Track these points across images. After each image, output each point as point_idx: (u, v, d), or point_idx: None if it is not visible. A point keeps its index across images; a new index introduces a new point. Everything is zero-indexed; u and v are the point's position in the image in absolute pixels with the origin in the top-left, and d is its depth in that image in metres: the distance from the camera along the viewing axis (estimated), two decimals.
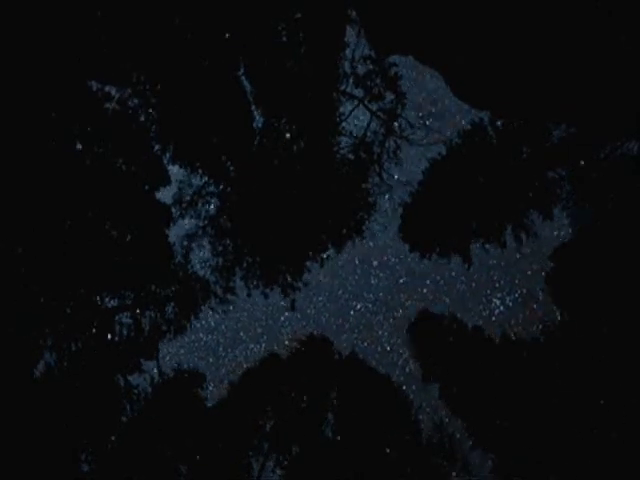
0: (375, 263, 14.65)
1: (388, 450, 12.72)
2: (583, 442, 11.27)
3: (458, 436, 12.76)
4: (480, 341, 13.14)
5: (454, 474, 12.55)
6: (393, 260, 14.51)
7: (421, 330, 13.76)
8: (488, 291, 13.74)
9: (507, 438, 12.11)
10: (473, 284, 13.86)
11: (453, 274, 14.01)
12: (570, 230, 13.29)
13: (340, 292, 14.67)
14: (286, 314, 14.69)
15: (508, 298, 13.54)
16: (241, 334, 14.75)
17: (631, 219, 12.28)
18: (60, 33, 11.91)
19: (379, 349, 14.02)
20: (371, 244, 14.67)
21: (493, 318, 13.51)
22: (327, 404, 13.56)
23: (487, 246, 13.67)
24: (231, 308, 14.78)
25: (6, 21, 11.38)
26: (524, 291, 13.45)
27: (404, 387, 13.48)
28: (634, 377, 11.23)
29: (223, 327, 14.80)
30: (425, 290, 14.16)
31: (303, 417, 13.47)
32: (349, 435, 13.05)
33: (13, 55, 11.59)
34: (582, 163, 13.12)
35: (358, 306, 14.51)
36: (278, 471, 13.12)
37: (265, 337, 14.60)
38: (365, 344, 14.12)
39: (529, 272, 13.48)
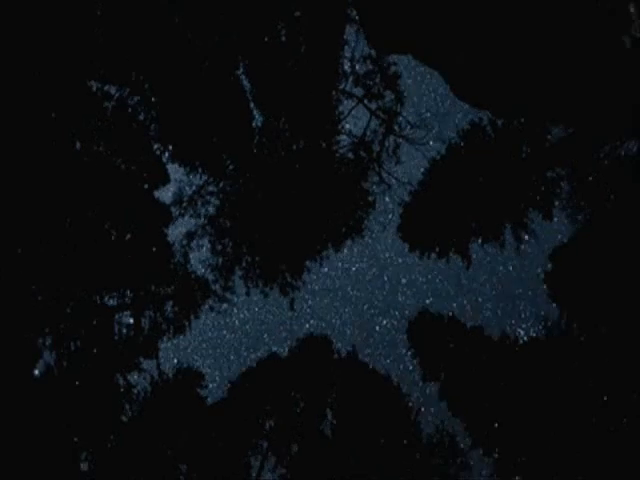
0: (374, 263, 14.65)
1: (388, 450, 12.75)
2: (583, 442, 11.30)
3: (458, 436, 12.80)
4: (480, 341, 13.17)
5: (454, 474, 12.59)
6: (393, 260, 14.51)
7: (421, 330, 13.78)
8: (488, 291, 13.76)
9: (507, 438, 12.14)
10: (473, 284, 13.88)
11: (453, 274, 14.02)
12: (570, 230, 13.30)
13: (340, 292, 14.67)
14: (286, 314, 14.71)
15: (508, 298, 13.56)
16: (241, 334, 14.75)
17: (631, 219, 12.30)
18: (60, 33, 11.87)
19: (379, 349, 14.04)
20: (371, 244, 14.67)
21: (493, 318, 13.54)
22: (327, 404, 13.58)
23: (487, 246, 13.69)
24: (231, 308, 14.78)
25: (6, 21, 11.35)
26: (524, 291, 13.47)
27: (404, 387, 13.50)
28: (634, 377, 11.26)
29: (223, 327, 14.79)
30: (425, 290, 14.17)
31: (303, 417, 13.49)
32: (349, 435, 13.07)
33: (13, 55, 11.56)
34: (582, 163, 13.13)
35: (358, 306, 14.52)
36: (278, 471, 13.14)
37: (265, 337, 14.60)
38: (365, 344, 14.13)
39: (529, 272, 13.51)
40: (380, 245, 14.63)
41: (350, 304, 14.64)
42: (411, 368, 13.72)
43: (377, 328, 14.31)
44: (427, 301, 14.20)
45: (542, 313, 13.00)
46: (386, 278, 14.56)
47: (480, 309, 13.73)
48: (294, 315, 14.67)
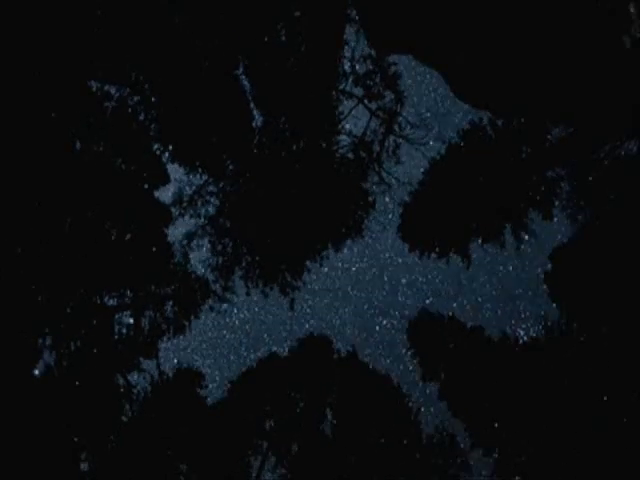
0: (375, 263, 14.67)
1: (388, 450, 12.74)
2: (583, 442, 11.29)
3: (458, 436, 12.80)
4: (480, 341, 13.17)
5: (454, 473, 12.59)
6: (393, 260, 14.52)
7: (421, 330, 13.78)
8: (488, 291, 13.77)
9: (507, 438, 12.14)
10: (473, 284, 13.89)
11: (453, 274, 14.03)
12: (570, 230, 13.30)
13: (340, 292, 14.69)
14: (286, 314, 14.71)
15: (508, 298, 13.57)
16: (241, 334, 14.76)
17: (631, 219, 12.29)
18: (60, 33, 11.86)
19: (379, 349, 14.05)
20: (371, 244, 14.68)
21: (493, 318, 13.55)
22: (327, 404, 13.57)
23: (487, 246, 13.68)
24: (231, 308, 14.80)
25: (6, 21, 11.34)
26: (524, 291, 13.48)
27: (404, 387, 13.50)
28: (634, 377, 11.25)
29: (223, 327, 14.81)
30: (425, 290, 14.18)
31: (303, 417, 13.48)
32: (349, 435, 13.07)
33: (13, 55, 11.55)
34: (582, 163, 13.12)
35: (358, 306, 14.53)
36: (278, 471, 13.14)
37: (265, 337, 14.61)
38: (365, 344, 14.15)
39: (529, 272, 13.52)
40: (380, 245, 14.66)
41: (350, 304, 14.66)
42: (411, 368, 13.73)
43: (377, 328, 14.33)
44: (427, 301, 14.23)
45: (542, 313, 13.00)
46: (386, 278, 14.59)
47: (480, 309, 13.75)
48: (294, 315, 14.69)
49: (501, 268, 13.81)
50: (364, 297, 14.61)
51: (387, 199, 14.55)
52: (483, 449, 12.35)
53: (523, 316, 13.30)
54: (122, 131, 13.82)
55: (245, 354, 14.57)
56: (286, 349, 14.34)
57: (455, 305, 13.86)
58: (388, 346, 14.08)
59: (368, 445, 12.82)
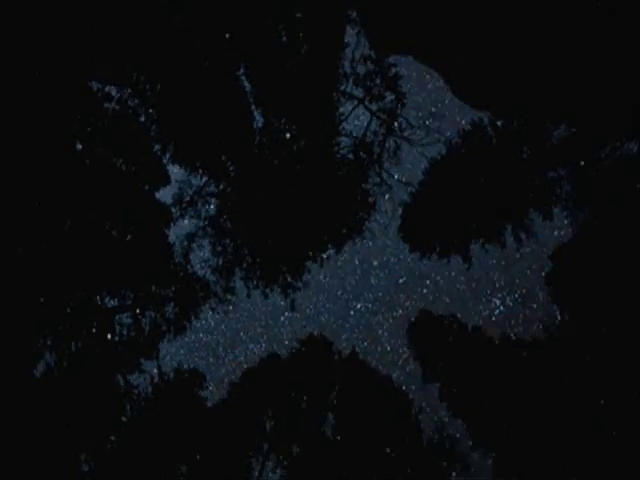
0: (375, 263, 14.66)
1: (388, 450, 12.72)
2: (583, 442, 11.27)
3: (458, 436, 12.77)
4: (480, 341, 13.15)
5: (454, 474, 12.56)
6: (393, 260, 14.52)
7: (421, 330, 13.77)
8: (488, 291, 13.74)
9: (507, 438, 12.11)
10: (473, 284, 13.87)
11: (453, 274, 14.02)
12: (570, 230, 13.28)
13: (340, 292, 14.68)
14: (286, 314, 14.71)
15: (508, 298, 13.54)
16: (241, 334, 14.76)
17: (631, 219, 12.27)
18: (60, 33, 11.90)
19: (379, 349, 14.04)
20: (371, 244, 14.67)
21: (493, 318, 13.52)
22: (327, 404, 13.56)
23: (487, 246, 13.67)
24: (231, 308, 14.80)
25: (7, 21, 11.38)
26: (524, 291, 13.46)
27: (404, 387, 13.48)
28: (634, 377, 11.23)
29: (223, 327, 14.82)
30: (425, 290, 14.17)
31: (303, 417, 13.47)
32: (349, 435, 13.05)
33: (14, 55, 11.58)
34: (582, 163, 13.11)
35: (358, 306, 14.53)
36: (278, 471, 13.13)
37: (265, 337, 14.62)
38: (365, 344, 14.14)
39: (529, 272, 13.49)
40: (380, 245, 14.64)
41: (350, 304, 14.64)
42: (411, 369, 13.71)
43: (377, 329, 14.31)
44: (428, 302, 14.20)
45: (542, 313, 12.98)
46: (386, 279, 14.57)
47: (480, 309, 13.72)
48: (294, 315, 14.68)
49: (501, 268, 13.77)
50: (364, 297, 14.61)
51: (387, 200, 14.56)
52: (483, 449, 12.34)
53: (523, 316, 13.27)
54: (123, 132, 13.86)
55: (245, 354, 14.55)
56: (286, 349, 14.31)
57: (455, 305, 13.83)
58: (389, 347, 14.07)
59: (368, 445, 12.81)
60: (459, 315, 13.64)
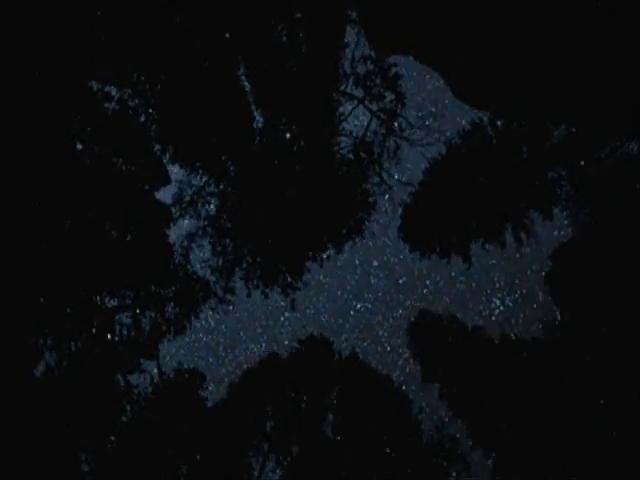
0: (375, 263, 14.64)
1: (388, 450, 12.73)
2: (583, 442, 11.27)
3: (458, 436, 12.77)
4: (480, 341, 13.15)
5: (454, 474, 12.56)
6: (393, 260, 14.50)
7: (421, 330, 13.77)
8: (488, 291, 13.73)
9: (507, 438, 12.11)
10: (473, 284, 13.85)
11: (453, 274, 14.00)
12: (570, 230, 13.28)
13: (340, 292, 14.66)
14: (286, 314, 14.70)
15: (508, 298, 13.53)
16: (241, 334, 14.74)
17: (631, 219, 12.27)
18: (61, 33, 11.91)
19: (379, 349, 14.02)
20: (371, 244, 14.66)
21: (493, 318, 13.51)
22: (327, 404, 13.57)
23: (487, 246, 13.66)
24: (231, 308, 14.80)
25: (7, 21, 11.39)
26: (524, 291, 13.45)
27: (404, 387, 13.48)
28: (634, 377, 11.23)
29: (223, 327, 14.80)
30: (425, 290, 14.15)
31: (303, 417, 13.47)
32: (349, 435, 13.05)
33: (14, 55, 11.60)
34: (582, 163, 13.11)
35: (358, 306, 14.51)
36: (278, 471, 13.13)
37: (265, 337, 14.60)
38: (365, 344, 14.12)
39: (529, 272, 13.48)
40: (380, 246, 14.63)
41: (350, 305, 14.63)
42: (411, 369, 13.71)
43: (377, 329, 14.30)
44: (428, 302, 14.19)
45: (542, 313, 12.98)
46: (387, 279, 14.55)
47: (480, 309, 13.71)
48: (294, 315, 14.68)
49: (501, 268, 13.76)
50: (364, 298, 14.57)
51: (387, 200, 14.55)
52: (483, 449, 12.34)
53: (523, 316, 13.26)
54: (123, 132, 13.87)
55: (245, 354, 14.54)
56: (286, 349, 14.31)
57: (456, 305, 13.82)
58: (389, 347, 14.06)
59: (368, 445, 12.81)
60: (459, 315, 13.64)
